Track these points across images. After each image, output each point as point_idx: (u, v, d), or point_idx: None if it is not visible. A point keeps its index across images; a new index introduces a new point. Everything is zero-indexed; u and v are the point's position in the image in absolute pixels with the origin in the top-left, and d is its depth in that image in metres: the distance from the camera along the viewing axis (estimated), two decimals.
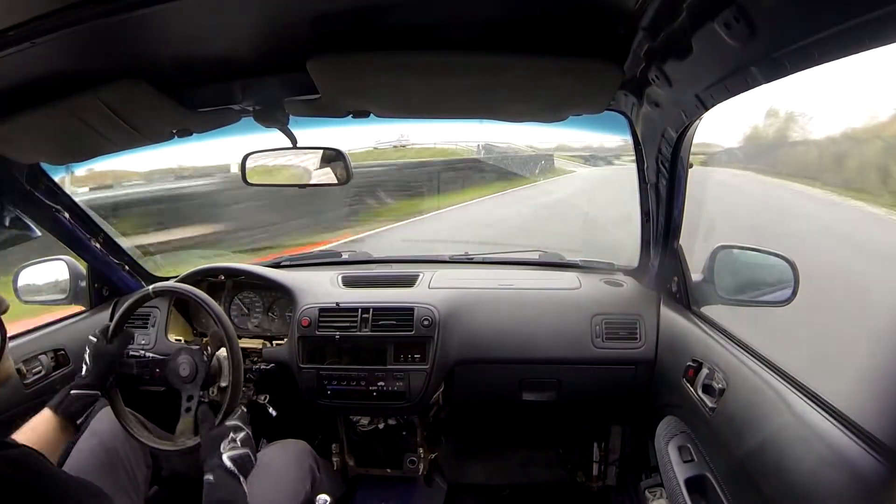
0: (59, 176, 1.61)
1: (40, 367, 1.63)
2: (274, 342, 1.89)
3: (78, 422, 1.26)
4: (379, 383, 1.76)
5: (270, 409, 1.76)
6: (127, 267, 1.97)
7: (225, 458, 1.14)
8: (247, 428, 1.26)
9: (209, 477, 1.12)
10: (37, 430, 1.17)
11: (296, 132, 1.36)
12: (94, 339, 1.35)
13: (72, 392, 1.24)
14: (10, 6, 0.76)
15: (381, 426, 2.01)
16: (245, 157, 1.48)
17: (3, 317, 0.96)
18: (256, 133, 1.38)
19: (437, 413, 1.99)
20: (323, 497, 1.50)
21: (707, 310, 1.58)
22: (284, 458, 1.48)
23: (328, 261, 2.29)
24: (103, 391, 1.33)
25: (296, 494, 1.42)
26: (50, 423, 1.20)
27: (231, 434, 1.21)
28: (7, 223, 1.50)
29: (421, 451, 2.05)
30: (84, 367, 1.31)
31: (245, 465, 1.17)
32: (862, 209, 6.67)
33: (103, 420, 1.44)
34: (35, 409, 1.21)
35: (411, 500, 2.11)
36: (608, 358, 1.73)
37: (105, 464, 1.34)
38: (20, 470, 0.79)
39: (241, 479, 1.14)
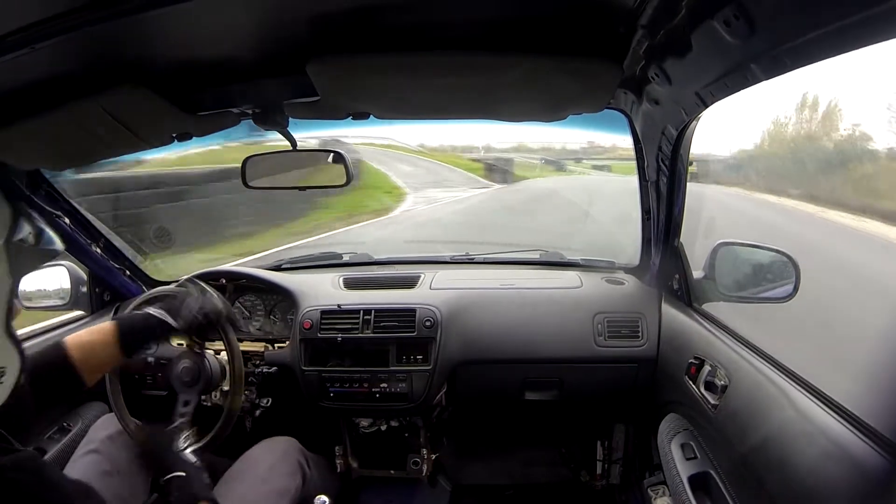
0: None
1: None
2: (276, 345, 1.89)
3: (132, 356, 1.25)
4: (381, 385, 1.75)
5: (264, 402, 1.76)
6: (128, 272, 1.97)
7: (188, 452, 1.15)
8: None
9: (180, 473, 1.11)
10: (96, 349, 1.17)
11: (295, 134, 1.36)
12: (219, 305, 1.33)
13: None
14: (9, 11, 0.76)
15: (383, 427, 2.01)
16: (245, 161, 1.48)
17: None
18: (256, 136, 1.38)
19: (439, 414, 1.99)
20: (322, 497, 1.50)
21: (708, 307, 1.58)
22: (271, 456, 1.47)
23: (329, 263, 2.29)
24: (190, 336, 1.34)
25: (285, 490, 1.41)
26: (110, 347, 1.18)
27: (182, 434, 1.21)
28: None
29: (424, 451, 2.05)
30: (181, 320, 1.28)
31: (198, 458, 1.18)
32: None
33: (102, 428, 1.44)
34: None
35: (415, 501, 2.11)
36: (610, 356, 1.74)
37: (104, 471, 1.34)
38: (26, 473, 0.79)
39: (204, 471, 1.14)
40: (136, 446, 1.34)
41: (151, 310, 1.27)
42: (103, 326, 1.19)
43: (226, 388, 1.53)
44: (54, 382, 1.11)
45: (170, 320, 1.25)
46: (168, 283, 2.01)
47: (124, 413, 1.38)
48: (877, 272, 3.77)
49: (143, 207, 5.04)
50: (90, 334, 1.18)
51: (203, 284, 1.39)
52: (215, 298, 1.35)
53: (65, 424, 1.69)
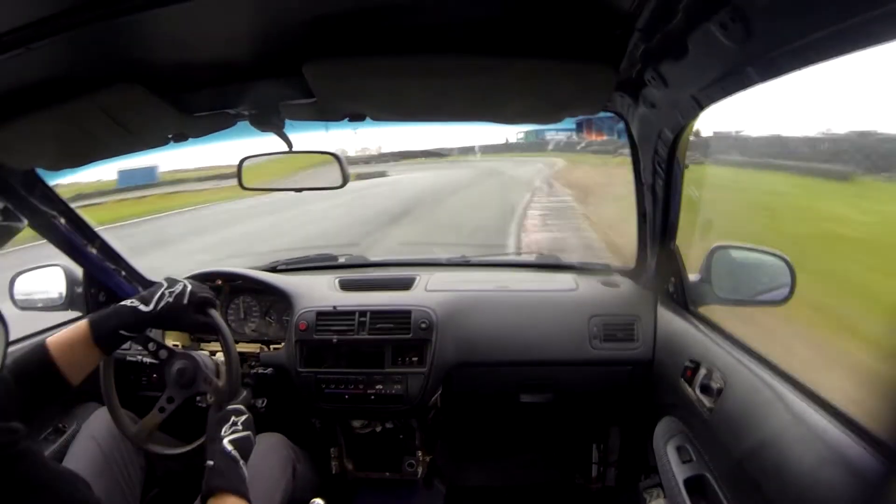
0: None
1: None
2: (272, 346, 1.88)
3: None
4: (377, 386, 1.75)
5: (259, 403, 1.75)
6: (123, 272, 1.96)
7: (225, 442, 1.14)
8: (248, 412, 1.25)
9: (209, 462, 1.11)
10: (74, 348, 1.15)
11: (291, 136, 1.36)
12: (189, 287, 1.28)
13: (120, 332, 1.20)
14: (4, 11, 0.75)
15: (377, 429, 2.01)
16: (241, 162, 1.48)
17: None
18: (252, 137, 1.38)
19: (435, 416, 1.99)
20: (317, 501, 1.50)
21: (704, 310, 1.58)
22: (261, 450, 1.48)
23: (325, 264, 2.28)
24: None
25: (277, 482, 1.44)
26: (86, 345, 1.16)
27: (233, 417, 1.20)
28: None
29: (419, 453, 2.05)
30: (152, 303, 1.23)
31: (245, 447, 1.16)
32: None
33: (98, 421, 1.44)
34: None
35: (411, 502, 2.11)
36: (606, 359, 1.73)
37: (100, 464, 1.35)
38: (16, 460, 0.79)
39: (241, 462, 1.13)
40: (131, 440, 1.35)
41: (124, 302, 1.25)
42: (79, 324, 1.18)
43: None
44: (40, 383, 1.11)
45: (140, 306, 1.23)
46: None
47: (119, 413, 1.37)
48: None
49: None
50: (68, 332, 1.16)
51: (179, 279, 1.36)
52: (191, 284, 1.32)
53: (59, 426, 1.68)
